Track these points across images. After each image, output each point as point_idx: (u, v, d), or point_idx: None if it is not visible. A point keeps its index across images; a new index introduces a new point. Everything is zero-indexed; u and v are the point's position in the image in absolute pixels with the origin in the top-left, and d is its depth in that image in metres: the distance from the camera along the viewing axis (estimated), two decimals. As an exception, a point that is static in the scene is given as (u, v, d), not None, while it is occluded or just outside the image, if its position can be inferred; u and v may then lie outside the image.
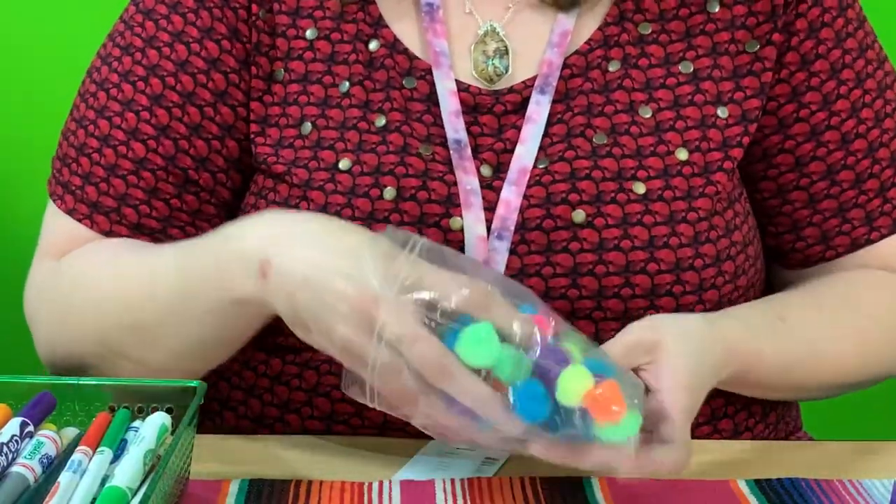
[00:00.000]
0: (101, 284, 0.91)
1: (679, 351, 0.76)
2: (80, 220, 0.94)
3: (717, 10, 0.92)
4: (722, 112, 0.91)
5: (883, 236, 0.94)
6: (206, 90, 0.93)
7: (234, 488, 0.79)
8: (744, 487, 0.80)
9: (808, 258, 0.95)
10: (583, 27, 0.92)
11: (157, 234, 0.94)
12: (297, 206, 0.89)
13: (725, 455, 0.87)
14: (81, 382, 0.79)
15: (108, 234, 0.94)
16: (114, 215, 0.93)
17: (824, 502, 0.79)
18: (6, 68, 1.59)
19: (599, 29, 0.92)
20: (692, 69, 0.92)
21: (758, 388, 0.89)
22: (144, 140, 0.92)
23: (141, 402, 0.79)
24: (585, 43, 0.91)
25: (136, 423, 0.76)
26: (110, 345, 0.89)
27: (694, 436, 0.91)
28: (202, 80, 0.93)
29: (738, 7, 0.92)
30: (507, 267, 0.88)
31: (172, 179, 0.93)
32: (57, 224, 0.96)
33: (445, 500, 0.78)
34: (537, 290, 0.87)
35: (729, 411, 0.92)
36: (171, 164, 0.92)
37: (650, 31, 0.92)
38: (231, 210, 0.96)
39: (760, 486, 0.81)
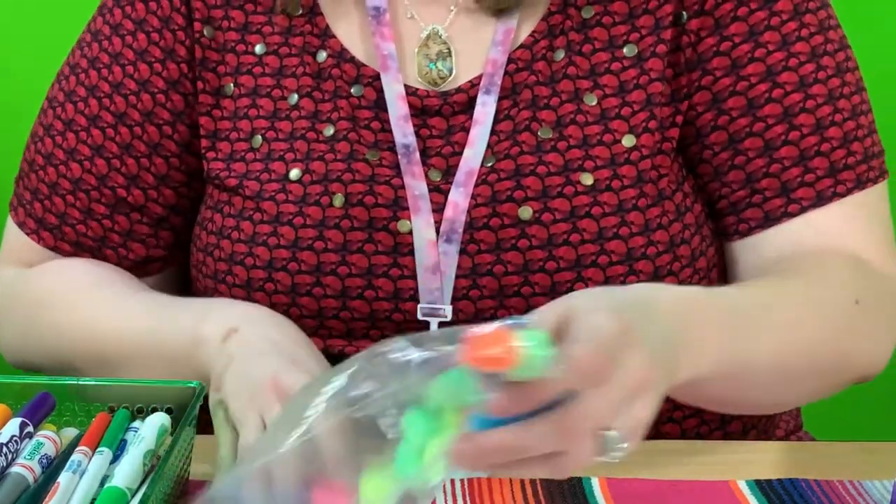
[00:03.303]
0: (70, 311, 0.94)
1: (591, 304, 0.66)
2: (28, 234, 0.98)
3: None
4: (664, 90, 0.90)
5: (804, 209, 0.89)
6: (135, 111, 0.95)
7: (233, 489, 0.79)
8: (744, 488, 0.80)
9: (769, 214, 0.90)
10: (527, 20, 0.91)
11: (95, 252, 0.97)
12: (250, 218, 0.90)
13: (725, 455, 0.87)
14: (81, 383, 0.80)
15: (54, 249, 0.97)
16: (56, 232, 0.97)
17: (824, 503, 0.79)
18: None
19: (543, 19, 0.90)
20: (636, 51, 0.90)
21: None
22: (81, 160, 0.95)
23: (140, 402, 0.80)
24: (530, 36, 0.90)
25: (136, 424, 0.77)
26: (70, 364, 0.91)
27: (682, 431, 0.92)
28: (133, 101, 0.95)
29: None
30: (459, 267, 0.88)
31: (104, 200, 0.95)
32: (13, 234, 1.00)
33: (446, 500, 0.78)
34: (490, 289, 0.87)
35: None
36: (103, 184, 0.95)
37: (593, 13, 0.90)
38: (171, 229, 0.98)
39: (760, 486, 0.81)
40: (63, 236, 0.96)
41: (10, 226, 1.00)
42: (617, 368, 0.60)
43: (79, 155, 0.95)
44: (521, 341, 0.58)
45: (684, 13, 0.89)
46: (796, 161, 0.89)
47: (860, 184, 0.89)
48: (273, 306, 0.90)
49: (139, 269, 0.98)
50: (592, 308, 0.63)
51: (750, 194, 0.90)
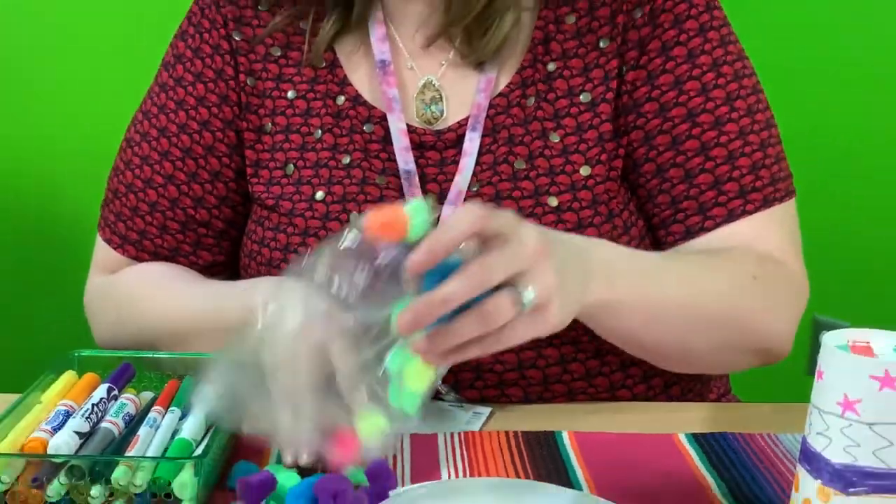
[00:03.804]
0: (151, 301, 0.96)
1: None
2: (114, 249, 1.01)
3: (606, 45, 0.92)
4: (611, 129, 0.92)
5: (718, 224, 0.91)
6: (199, 146, 0.97)
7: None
8: (683, 439, 0.83)
9: (689, 228, 0.92)
10: (504, 72, 0.93)
11: (170, 260, 1.00)
12: (284, 231, 0.93)
13: (668, 414, 0.90)
14: (156, 356, 0.84)
15: (135, 258, 1.00)
16: (138, 245, 1.00)
17: (747, 451, 0.82)
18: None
19: (517, 73, 0.93)
20: (590, 98, 0.92)
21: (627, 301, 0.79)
22: (156, 188, 0.98)
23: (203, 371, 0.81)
24: (506, 86, 0.93)
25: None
26: (151, 343, 0.92)
27: (633, 395, 0.94)
28: (196, 138, 0.97)
29: (619, 38, 0.92)
30: None
31: (177, 218, 0.99)
32: (101, 249, 1.03)
33: (447, 449, 0.81)
34: None
35: (657, 370, 0.94)
36: (175, 206, 0.98)
37: (555, 68, 0.92)
38: (230, 239, 1.01)
39: (696, 438, 0.83)
40: (143, 249, 0.99)
41: (99, 242, 1.02)
42: (511, 236, 0.64)
43: (154, 183, 0.98)
44: (406, 209, 0.62)
45: (625, 67, 0.92)
46: (711, 186, 0.90)
47: (766, 203, 0.91)
48: None
49: (206, 272, 1.00)
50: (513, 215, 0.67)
51: (674, 213, 0.92)
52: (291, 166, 0.95)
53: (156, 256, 1.00)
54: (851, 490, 0.62)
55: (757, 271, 0.88)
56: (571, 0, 0.93)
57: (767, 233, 0.92)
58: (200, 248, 1.00)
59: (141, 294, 0.97)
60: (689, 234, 0.92)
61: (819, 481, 0.64)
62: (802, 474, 0.65)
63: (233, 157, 0.98)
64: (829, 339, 0.65)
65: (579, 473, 0.78)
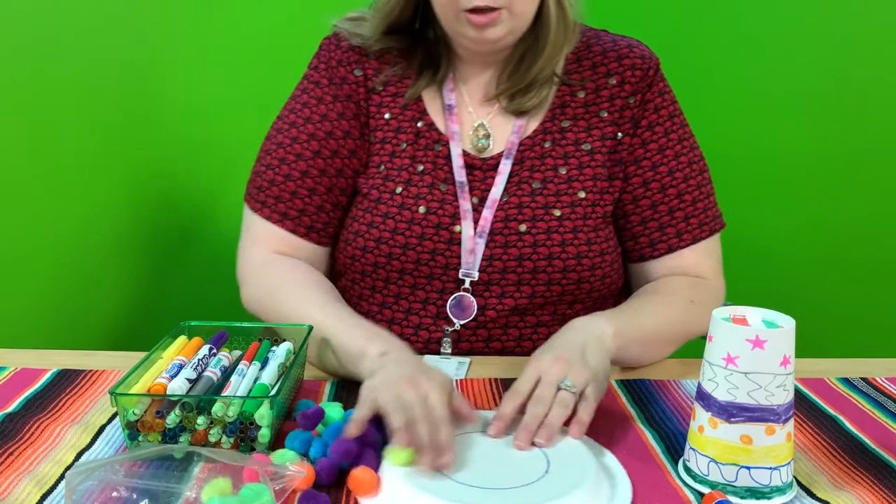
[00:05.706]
0: (290, 297, 0.89)
1: (538, 353, 0.75)
2: (275, 223, 0.95)
3: (605, 115, 0.95)
4: (603, 172, 0.94)
5: (688, 244, 0.95)
6: (344, 149, 0.95)
7: (328, 386, 0.82)
8: (615, 384, 0.84)
9: (671, 246, 0.95)
10: (532, 121, 0.96)
11: (319, 233, 0.96)
12: (370, 212, 0.93)
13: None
14: (243, 325, 0.84)
15: (293, 231, 0.95)
16: (296, 221, 0.95)
17: (660, 392, 0.82)
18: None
19: (541, 123, 0.95)
20: (589, 148, 0.94)
21: (637, 339, 0.84)
22: (313, 177, 0.95)
23: (275, 336, 0.83)
24: (533, 132, 0.95)
25: (274, 348, 0.81)
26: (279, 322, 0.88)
27: None
28: (342, 143, 0.95)
29: (616, 112, 0.95)
30: (484, 255, 0.92)
31: (313, 203, 0.95)
32: (260, 225, 0.96)
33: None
34: (499, 265, 0.91)
35: None
36: (313, 193, 0.95)
37: (568, 124, 0.95)
38: (341, 218, 0.98)
39: (624, 383, 0.84)
40: (301, 223, 0.94)
41: (256, 221, 0.95)
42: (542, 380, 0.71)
43: (310, 174, 0.95)
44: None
45: (619, 133, 0.95)
46: (683, 219, 0.95)
47: (711, 232, 0.96)
48: (376, 265, 0.92)
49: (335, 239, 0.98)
50: (538, 355, 0.74)
51: (661, 234, 0.95)
52: (382, 167, 0.95)
53: (310, 229, 0.95)
54: (732, 419, 0.63)
55: (693, 297, 0.91)
56: (582, 83, 0.96)
57: (706, 255, 0.96)
58: (327, 224, 0.96)
59: (284, 290, 0.91)
60: (670, 249, 0.95)
61: (709, 413, 0.64)
62: (698, 408, 0.66)
63: (352, 159, 0.96)
64: (717, 313, 0.65)
65: (541, 408, 0.75)
